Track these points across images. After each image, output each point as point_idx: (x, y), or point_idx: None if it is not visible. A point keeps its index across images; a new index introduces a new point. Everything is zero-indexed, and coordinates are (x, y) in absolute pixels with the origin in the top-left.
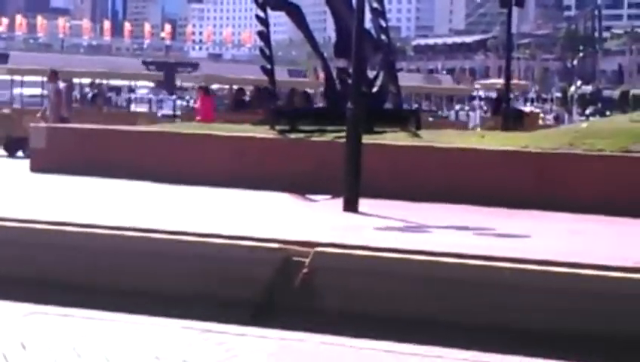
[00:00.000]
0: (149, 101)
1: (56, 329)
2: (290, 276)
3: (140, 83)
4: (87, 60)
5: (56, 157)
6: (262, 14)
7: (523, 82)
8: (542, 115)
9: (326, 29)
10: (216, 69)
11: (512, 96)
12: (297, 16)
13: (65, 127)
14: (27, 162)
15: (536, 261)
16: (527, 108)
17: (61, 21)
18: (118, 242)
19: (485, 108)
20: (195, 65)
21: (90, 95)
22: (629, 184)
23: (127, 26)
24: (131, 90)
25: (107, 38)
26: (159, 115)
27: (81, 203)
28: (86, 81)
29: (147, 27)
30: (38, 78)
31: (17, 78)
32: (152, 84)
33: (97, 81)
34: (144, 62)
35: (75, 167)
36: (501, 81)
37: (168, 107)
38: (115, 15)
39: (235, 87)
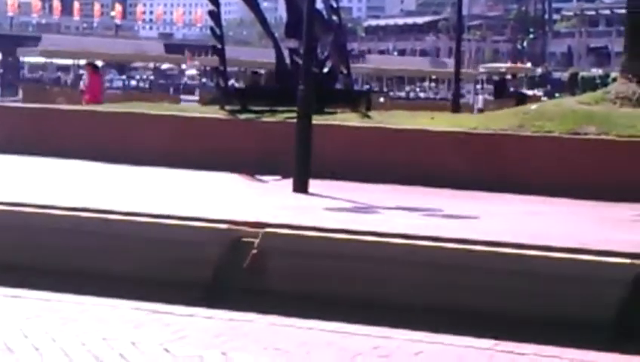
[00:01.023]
0: None
1: (3, 310)
2: (240, 257)
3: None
4: (112, 43)
5: (2, 137)
6: None
7: (527, 65)
8: (544, 98)
9: (277, 9)
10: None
11: (515, 78)
12: None
13: (9, 106)
14: None
15: (484, 242)
16: (530, 92)
17: None
18: (67, 222)
19: (436, 90)
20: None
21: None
22: (577, 166)
23: (76, 4)
24: (80, 67)
25: (56, 16)
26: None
27: (27, 183)
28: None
29: (97, 6)
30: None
31: None
32: (101, 63)
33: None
34: (166, 45)
35: (21, 146)
36: (506, 65)
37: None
38: None
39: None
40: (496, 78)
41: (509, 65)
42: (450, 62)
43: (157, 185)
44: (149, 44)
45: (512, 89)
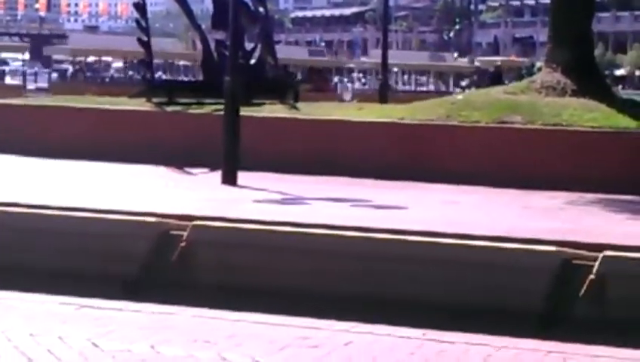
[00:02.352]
0: (23, 74)
1: None
2: (168, 250)
3: (11, 55)
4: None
5: None
6: None
7: (520, 59)
8: None
9: (204, 1)
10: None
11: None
12: None
13: None
14: None
15: (412, 231)
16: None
17: None
18: None
19: (364, 80)
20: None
21: (70, 71)
22: (504, 154)
23: None
24: (4, 62)
25: None
26: (34, 87)
27: None
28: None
29: None
30: None
31: None
32: (26, 57)
33: (78, 59)
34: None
35: None
36: (501, 58)
37: (44, 80)
38: None
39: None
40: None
41: (503, 58)
42: (448, 56)
43: (82, 178)
44: (170, 42)
45: (506, 81)
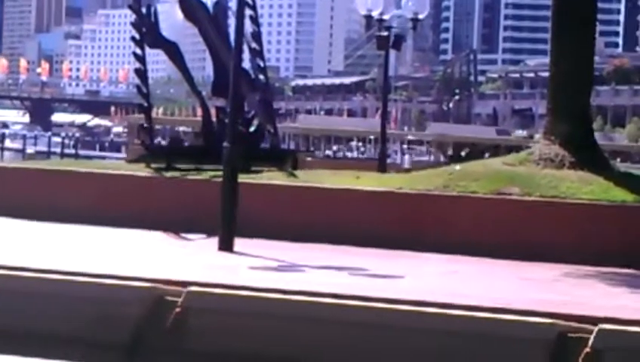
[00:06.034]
0: (24, 137)
1: None
2: (163, 315)
3: (14, 119)
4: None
5: None
6: (139, 52)
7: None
8: None
9: (205, 68)
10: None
11: None
12: (175, 54)
13: None
14: None
15: (407, 301)
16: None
17: None
18: None
19: (363, 149)
20: None
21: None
22: (501, 226)
23: (2, 61)
24: (5, 125)
25: None
26: (33, 151)
27: None
28: None
29: (23, 63)
30: None
31: None
32: (26, 120)
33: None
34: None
35: None
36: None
37: (43, 144)
38: None
39: None
40: None
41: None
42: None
43: (81, 243)
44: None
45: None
